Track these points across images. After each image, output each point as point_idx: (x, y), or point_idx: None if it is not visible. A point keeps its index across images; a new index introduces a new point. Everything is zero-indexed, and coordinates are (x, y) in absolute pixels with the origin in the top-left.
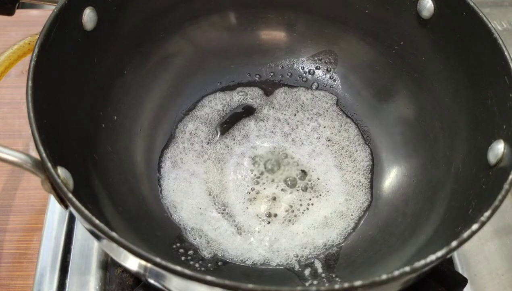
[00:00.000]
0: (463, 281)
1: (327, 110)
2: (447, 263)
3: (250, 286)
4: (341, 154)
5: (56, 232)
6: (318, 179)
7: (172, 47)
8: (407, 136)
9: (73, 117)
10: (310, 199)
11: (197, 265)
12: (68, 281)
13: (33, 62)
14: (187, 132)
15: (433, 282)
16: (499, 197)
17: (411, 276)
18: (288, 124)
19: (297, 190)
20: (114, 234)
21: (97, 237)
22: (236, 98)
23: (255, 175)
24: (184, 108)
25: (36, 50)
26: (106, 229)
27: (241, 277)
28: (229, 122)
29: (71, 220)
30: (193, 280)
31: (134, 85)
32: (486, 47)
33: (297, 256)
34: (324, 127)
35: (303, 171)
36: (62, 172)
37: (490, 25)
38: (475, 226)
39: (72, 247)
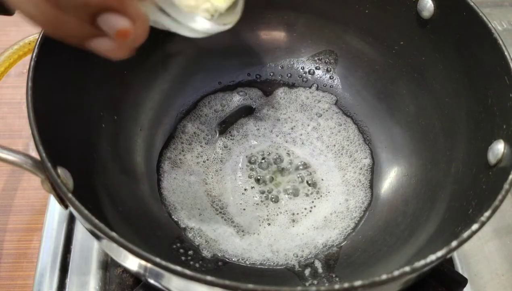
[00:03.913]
0: (463, 281)
1: (327, 110)
2: (447, 263)
3: (250, 286)
4: (341, 154)
5: (56, 232)
6: (322, 179)
7: (172, 47)
8: (407, 136)
9: (73, 117)
10: (312, 202)
11: (197, 265)
12: (68, 281)
13: (33, 62)
14: (186, 133)
15: (433, 282)
16: (499, 197)
17: (411, 276)
18: (288, 124)
19: (298, 191)
20: (114, 234)
21: (97, 237)
22: (236, 98)
23: (254, 175)
24: (184, 108)
25: (36, 50)
26: (106, 229)
27: (241, 277)
28: (228, 122)
29: (71, 220)
30: (193, 280)
31: (134, 85)
32: (486, 47)
33: (297, 256)
34: (324, 127)
35: (303, 171)
36: (62, 172)
37: (490, 25)
38: (475, 226)
39: (72, 247)
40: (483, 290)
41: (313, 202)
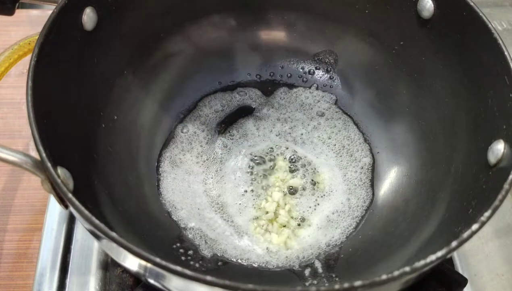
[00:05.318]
0: (463, 281)
1: (327, 110)
2: (447, 263)
3: (250, 286)
4: (342, 155)
5: (56, 232)
6: (324, 179)
7: (172, 47)
8: (407, 136)
9: (73, 117)
10: (316, 199)
11: (197, 265)
12: (68, 281)
13: (33, 62)
14: (186, 133)
15: (433, 282)
16: (499, 197)
17: (411, 276)
18: (288, 124)
19: (299, 190)
20: (114, 234)
21: (97, 237)
22: (236, 98)
23: (254, 175)
24: (184, 108)
25: (36, 50)
26: (106, 229)
27: (241, 277)
28: (228, 122)
29: (71, 220)
30: (193, 280)
31: (134, 85)
32: (486, 47)
33: (298, 256)
34: (324, 126)
35: (304, 171)
36: (62, 172)
37: (490, 25)
38: (475, 226)
39: (72, 247)
40: (483, 290)
41: (316, 200)
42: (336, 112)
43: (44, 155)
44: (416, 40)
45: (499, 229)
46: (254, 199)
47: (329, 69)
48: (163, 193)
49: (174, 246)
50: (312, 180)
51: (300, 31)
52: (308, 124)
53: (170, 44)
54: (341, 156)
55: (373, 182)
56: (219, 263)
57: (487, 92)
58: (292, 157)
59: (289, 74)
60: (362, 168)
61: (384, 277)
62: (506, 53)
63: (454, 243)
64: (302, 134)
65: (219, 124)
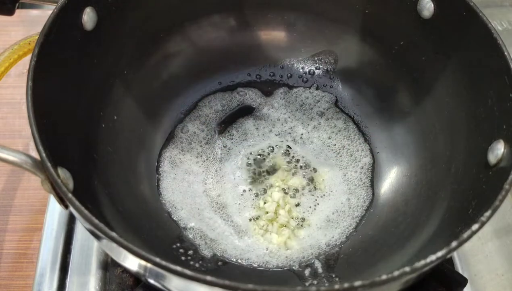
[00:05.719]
0: (463, 281)
1: (327, 110)
2: (447, 263)
3: (250, 286)
4: (342, 155)
5: (56, 232)
6: (324, 179)
7: (172, 47)
8: (407, 136)
9: (73, 117)
10: (316, 199)
11: (197, 265)
12: (68, 281)
13: (33, 62)
14: (186, 132)
15: (433, 282)
16: (499, 197)
17: (411, 276)
18: (288, 124)
19: (299, 190)
20: (114, 234)
21: (97, 237)
22: (236, 98)
23: (253, 175)
24: (184, 108)
25: (36, 50)
26: (106, 229)
27: (241, 277)
28: (228, 122)
29: (71, 220)
30: (193, 280)
31: (134, 85)
32: (486, 47)
33: (298, 256)
34: (324, 126)
35: (304, 171)
36: (62, 172)
37: (490, 25)
38: (475, 226)
39: (72, 247)
40: (483, 290)
41: (316, 200)
42: (336, 112)
43: (44, 155)
44: (416, 40)
45: (499, 229)
46: (253, 199)
47: (329, 69)
48: (163, 193)
49: (174, 246)
50: (312, 180)
51: (300, 31)
52: (308, 124)
53: (170, 44)
54: (341, 156)
55: (373, 182)
56: (219, 263)
57: (487, 92)
58: (292, 157)
59: (289, 74)
60: (362, 168)
61: (384, 277)
62: (506, 53)
63: (454, 243)
64: (302, 134)
65: (219, 124)
